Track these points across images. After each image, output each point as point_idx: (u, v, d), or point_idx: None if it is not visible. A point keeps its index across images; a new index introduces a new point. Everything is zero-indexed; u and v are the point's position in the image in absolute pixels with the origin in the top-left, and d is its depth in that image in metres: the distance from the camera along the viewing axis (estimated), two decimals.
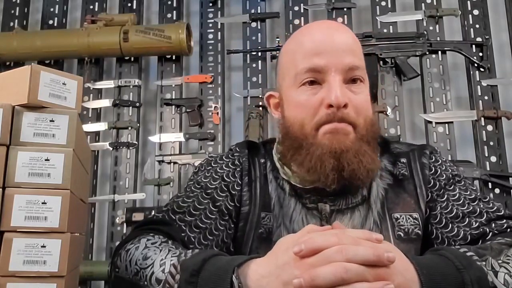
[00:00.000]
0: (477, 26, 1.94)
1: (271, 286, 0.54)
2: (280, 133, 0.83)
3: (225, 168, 0.85)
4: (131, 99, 2.06)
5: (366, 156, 0.74)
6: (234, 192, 0.82)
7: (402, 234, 0.77)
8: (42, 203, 0.64)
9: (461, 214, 0.77)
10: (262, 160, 0.86)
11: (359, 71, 0.76)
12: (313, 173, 0.74)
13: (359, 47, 0.80)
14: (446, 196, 0.79)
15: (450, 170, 0.82)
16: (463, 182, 0.82)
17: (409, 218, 0.78)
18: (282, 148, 0.82)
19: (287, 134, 0.79)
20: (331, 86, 0.73)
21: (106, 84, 2.10)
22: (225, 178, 0.83)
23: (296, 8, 2.04)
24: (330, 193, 0.77)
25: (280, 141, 0.83)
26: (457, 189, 0.80)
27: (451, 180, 0.81)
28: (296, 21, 2.02)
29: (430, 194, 0.80)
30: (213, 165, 0.86)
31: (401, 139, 1.85)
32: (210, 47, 2.08)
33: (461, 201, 0.78)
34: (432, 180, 0.81)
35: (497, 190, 1.80)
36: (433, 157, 0.84)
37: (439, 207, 0.79)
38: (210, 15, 2.11)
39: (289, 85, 0.79)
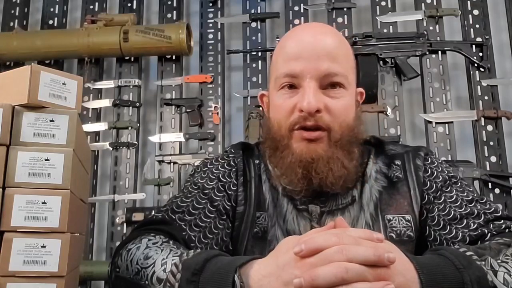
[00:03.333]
0: (477, 26, 1.94)
1: (272, 286, 0.54)
2: (264, 132, 0.85)
3: (221, 168, 0.85)
4: (131, 99, 2.06)
5: (337, 163, 0.75)
6: (230, 192, 0.83)
7: (394, 236, 0.77)
8: (42, 203, 0.64)
9: (458, 216, 0.76)
10: (257, 161, 0.87)
11: (338, 77, 0.76)
12: (285, 178, 0.79)
13: (344, 52, 0.79)
14: (443, 198, 0.79)
15: (446, 172, 0.82)
16: (459, 183, 0.81)
17: (401, 220, 0.78)
18: (263, 148, 0.84)
19: (269, 134, 0.82)
20: (305, 91, 0.75)
21: (106, 84, 2.10)
22: (221, 178, 0.84)
23: (296, 8, 2.04)
24: (319, 194, 0.78)
25: (263, 140, 0.85)
26: (454, 191, 0.80)
27: (448, 182, 0.81)
28: (296, 21, 2.02)
29: (426, 196, 0.80)
30: (209, 166, 0.87)
31: (401, 139, 1.85)
32: (210, 47, 2.08)
33: (458, 202, 0.78)
34: (428, 182, 0.81)
35: (497, 190, 1.80)
36: (429, 158, 0.84)
37: (436, 209, 0.78)
38: (210, 15, 2.11)
39: (272, 87, 0.82)
